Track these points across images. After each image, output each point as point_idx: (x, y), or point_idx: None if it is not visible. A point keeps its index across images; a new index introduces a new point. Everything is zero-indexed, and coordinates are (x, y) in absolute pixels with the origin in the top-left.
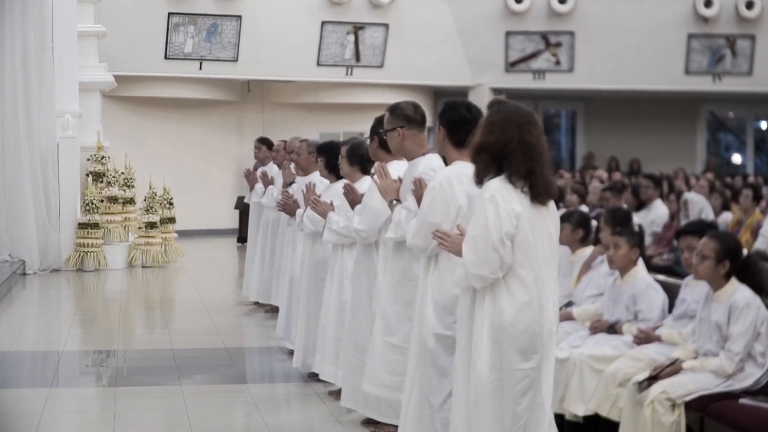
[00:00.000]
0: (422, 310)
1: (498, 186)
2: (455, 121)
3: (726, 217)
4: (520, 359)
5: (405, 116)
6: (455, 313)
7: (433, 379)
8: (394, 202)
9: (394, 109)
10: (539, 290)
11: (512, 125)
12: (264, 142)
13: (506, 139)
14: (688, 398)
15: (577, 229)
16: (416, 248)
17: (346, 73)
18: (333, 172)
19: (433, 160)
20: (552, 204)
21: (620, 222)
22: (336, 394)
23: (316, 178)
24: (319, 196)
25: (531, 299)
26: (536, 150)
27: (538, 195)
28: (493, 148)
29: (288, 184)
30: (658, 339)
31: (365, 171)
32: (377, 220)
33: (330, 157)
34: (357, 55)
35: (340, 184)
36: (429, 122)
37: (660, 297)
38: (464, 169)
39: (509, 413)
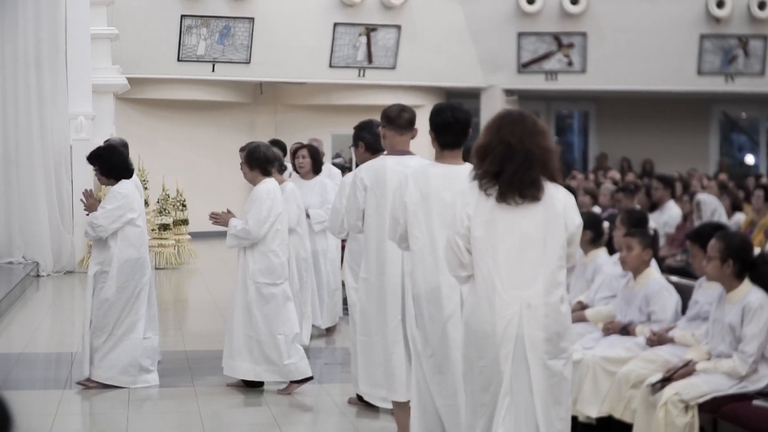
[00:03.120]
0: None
1: (465, 189)
2: (439, 124)
3: (739, 218)
4: (476, 356)
5: (387, 118)
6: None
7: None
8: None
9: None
10: (491, 291)
11: (495, 127)
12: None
13: (488, 141)
14: (701, 400)
15: (586, 231)
16: (390, 239)
17: (359, 75)
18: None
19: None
20: (540, 204)
21: (636, 223)
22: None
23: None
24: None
25: (479, 300)
26: (515, 150)
27: (504, 195)
28: (480, 151)
29: None
30: (671, 340)
31: (267, 173)
32: (337, 218)
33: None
34: (369, 57)
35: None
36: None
37: (673, 298)
38: (430, 169)
39: (476, 405)
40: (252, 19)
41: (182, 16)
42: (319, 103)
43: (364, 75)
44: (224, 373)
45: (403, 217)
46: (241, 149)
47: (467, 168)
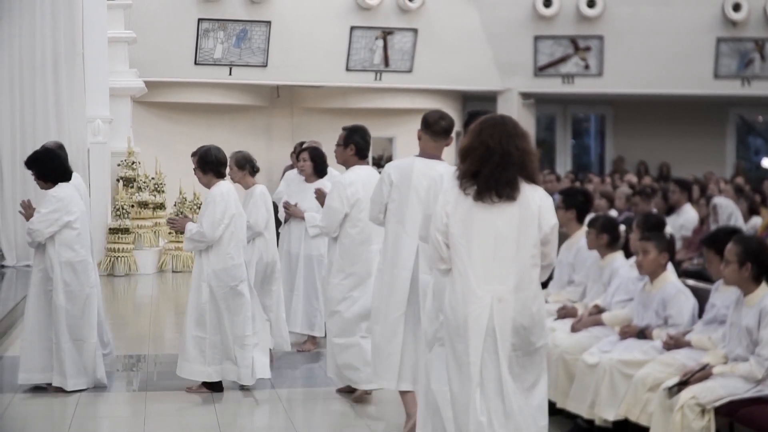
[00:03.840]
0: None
1: (446, 188)
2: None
3: (755, 222)
4: (449, 341)
5: (425, 122)
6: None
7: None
8: None
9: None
10: (465, 285)
11: (477, 130)
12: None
13: (470, 143)
14: (717, 403)
15: (602, 234)
16: (421, 240)
17: (375, 78)
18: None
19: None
20: (515, 203)
21: (652, 227)
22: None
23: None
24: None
25: (454, 292)
26: (493, 151)
27: (481, 194)
28: (462, 152)
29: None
30: (688, 344)
31: (221, 175)
32: (336, 218)
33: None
34: (386, 60)
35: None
36: (458, 127)
37: (690, 302)
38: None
39: (449, 378)
40: (269, 23)
41: (199, 20)
42: (336, 106)
43: (380, 78)
44: (177, 373)
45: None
46: (193, 154)
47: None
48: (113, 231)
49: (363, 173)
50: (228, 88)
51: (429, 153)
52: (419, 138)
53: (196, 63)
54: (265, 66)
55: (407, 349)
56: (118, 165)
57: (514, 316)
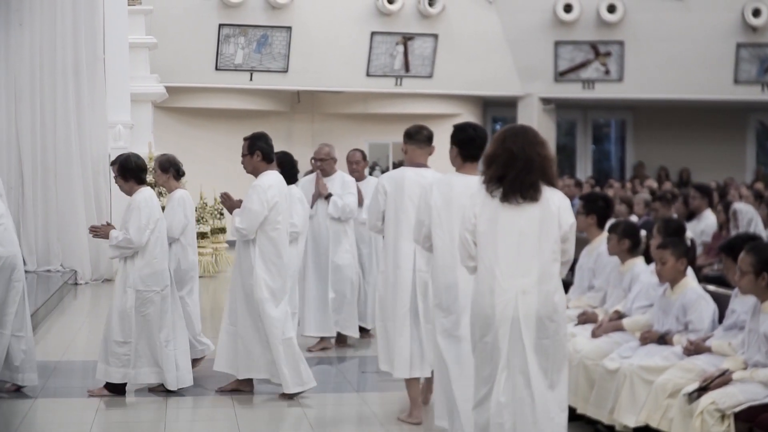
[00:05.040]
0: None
1: (474, 192)
2: (464, 139)
3: None
4: (479, 335)
5: (408, 134)
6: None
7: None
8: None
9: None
10: (492, 279)
11: (501, 139)
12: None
13: (494, 150)
14: (737, 409)
15: (623, 240)
16: (415, 242)
17: (396, 84)
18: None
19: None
20: (537, 204)
21: (673, 232)
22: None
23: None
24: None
25: (481, 286)
26: (517, 157)
27: (507, 196)
28: (487, 159)
29: (327, 196)
30: (708, 350)
31: (142, 181)
32: (256, 220)
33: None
34: (406, 66)
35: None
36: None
37: (710, 308)
38: (453, 178)
39: (480, 377)
40: (290, 28)
41: (220, 25)
42: (356, 112)
43: (401, 84)
44: (96, 376)
45: (428, 219)
46: (112, 163)
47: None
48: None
49: (278, 178)
50: (249, 93)
51: (416, 162)
52: (405, 151)
53: (216, 68)
54: (286, 71)
55: (414, 340)
56: None
57: (537, 307)
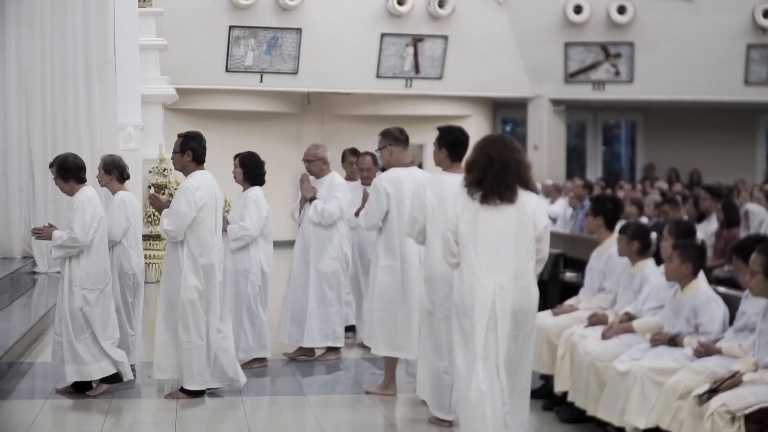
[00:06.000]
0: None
1: (456, 194)
2: (454, 142)
3: None
4: (458, 323)
5: (394, 137)
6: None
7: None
8: (309, 201)
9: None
10: (472, 275)
11: (480, 146)
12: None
13: (475, 156)
14: (747, 411)
15: (633, 241)
16: (408, 236)
17: (406, 85)
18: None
19: (390, 173)
20: (514, 206)
21: (683, 234)
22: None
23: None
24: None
25: (462, 281)
26: (495, 161)
27: (486, 198)
28: (468, 164)
29: (310, 199)
30: (719, 352)
31: (82, 180)
32: (184, 222)
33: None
34: (416, 67)
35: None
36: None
37: (721, 309)
38: (443, 177)
39: (454, 354)
40: (300, 30)
41: (230, 27)
42: (366, 113)
43: (411, 85)
44: (68, 379)
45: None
46: (50, 165)
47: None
48: (145, 237)
49: (207, 179)
50: (259, 95)
51: (403, 162)
52: (390, 153)
53: (227, 70)
54: (296, 73)
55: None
56: (150, 172)
57: (513, 300)
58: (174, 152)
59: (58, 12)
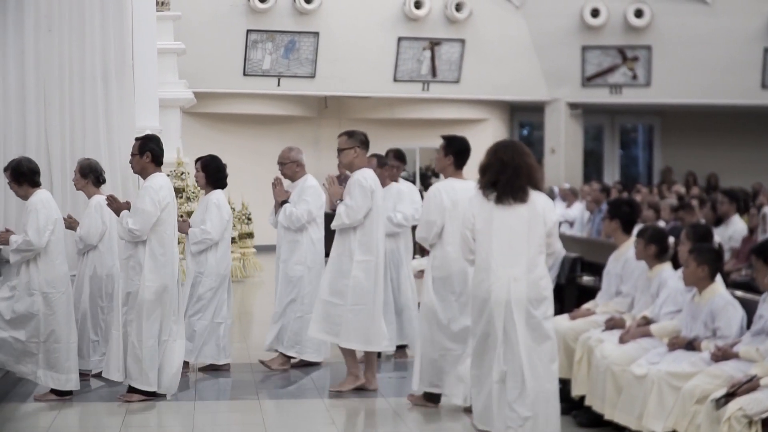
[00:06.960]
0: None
1: (471, 195)
2: (460, 150)
3: None
4: (478, 315)
5: (361, 140)
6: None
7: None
8: (338, 201)
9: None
10: (488, 269)
11: (493, 151)
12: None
13: (488, 161)
14: (764, 415)
15: (650, 245)
16: (420, 240)
17: (423, 89)
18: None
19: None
20: (527, 204)
21: (701, 238)
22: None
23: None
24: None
25: (479, 275)
26: (507, 165)
27: (501, 198)
28: (482, 168)
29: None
30: (736, 356)
31: (36, 184)
32: (149, 221)
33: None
34: (433, 71)
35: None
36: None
37: (738, 314)
38: (453, 183)
39: (479, 351)
40: (317, 34)
41: (248, 31)
42: (384, 117)
43: (428, 89)
44: (45, 383)
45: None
46: (4, 169)
47: (474, 182)
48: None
49: (167, 180)
50: (276, 99)
51: (364, 165)
52: (356, 156)
53: (244, 74)
54: (313, 77)
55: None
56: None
57: (526, 291)
58: (132, 154)
59: (76, 16)
